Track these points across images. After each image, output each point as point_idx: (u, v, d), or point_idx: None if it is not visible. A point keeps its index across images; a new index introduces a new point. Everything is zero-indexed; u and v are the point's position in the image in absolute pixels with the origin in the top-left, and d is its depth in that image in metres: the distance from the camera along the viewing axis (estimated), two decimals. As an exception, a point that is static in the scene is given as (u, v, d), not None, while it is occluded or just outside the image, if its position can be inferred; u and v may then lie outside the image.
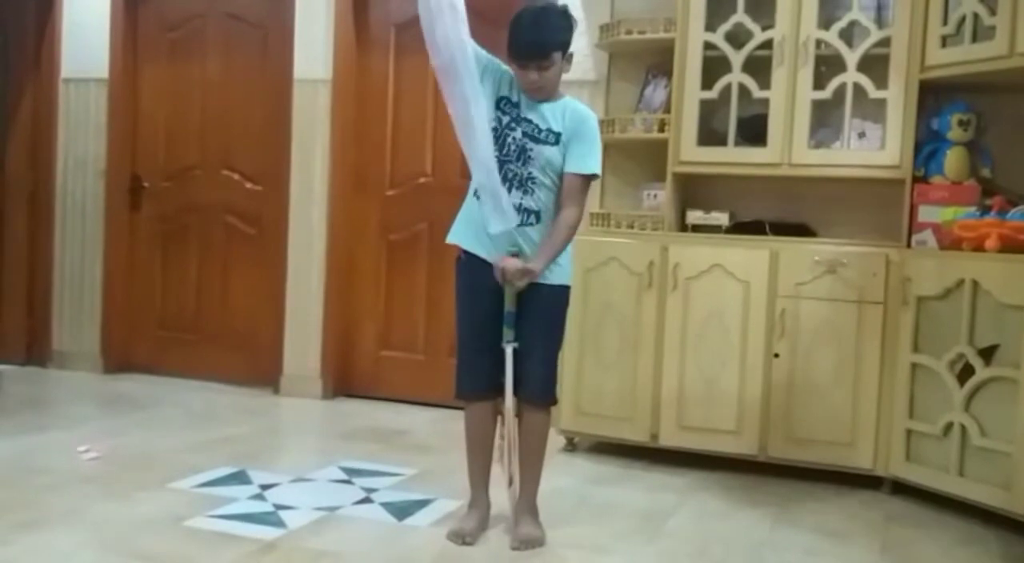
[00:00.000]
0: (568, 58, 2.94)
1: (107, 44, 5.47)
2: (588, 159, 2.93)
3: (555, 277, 2.97)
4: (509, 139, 2.91)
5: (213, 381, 5.34)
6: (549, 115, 2.92)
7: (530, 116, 2.92)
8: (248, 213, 5.36)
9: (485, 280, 2.94)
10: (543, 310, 2.97)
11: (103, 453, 3.81)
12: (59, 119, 5.60)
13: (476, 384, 3.04)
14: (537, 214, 2.92)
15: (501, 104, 2.93)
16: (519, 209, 2.90)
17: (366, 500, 3.40)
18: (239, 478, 3.57)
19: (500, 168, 2.88)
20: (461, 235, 3.06)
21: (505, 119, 2.92)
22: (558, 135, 2.90)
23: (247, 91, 5.31)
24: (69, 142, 5.60)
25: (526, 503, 3.06)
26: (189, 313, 5.50)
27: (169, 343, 5.55)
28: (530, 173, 2.90)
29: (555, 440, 4.15)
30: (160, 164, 5.55)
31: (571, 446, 4.21)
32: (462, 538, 2.97)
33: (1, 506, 3.13)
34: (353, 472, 3.74)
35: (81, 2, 5.51)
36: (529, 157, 2.90)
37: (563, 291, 3.03)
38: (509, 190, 2.89)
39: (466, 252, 3.04)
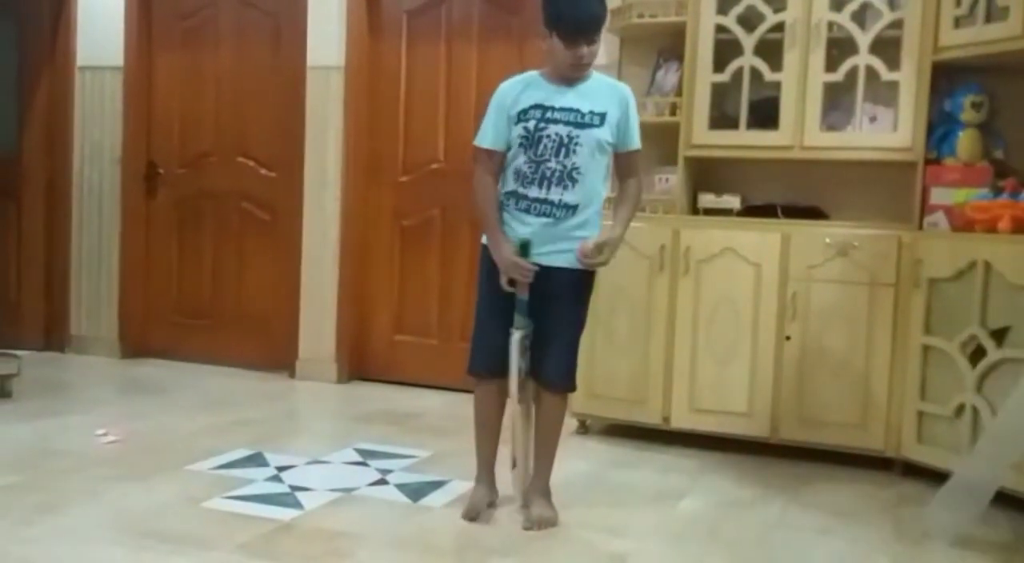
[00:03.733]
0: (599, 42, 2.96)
1: (122, 32, 5.50)
2: (637, 134, 3.01)
3: (577, 262, 2.97)
4: (544, 138, 2.88)
5: (229, 365, 5.39)
6: (586, 97, 2.91)
7: (566, 104, 2.90)
8: (263, 199, 5.39)
9: (498, 272, 2.97)
10: (570, 294, 2.98)
11: (121, 436, 3.86)
12: (75, 107, 5.64)
13: (489, 363, 3.04)
14: (575, 208, 2.91)
15: (523, 116, 2.90)
16: (558, 205, 2.90)
17: (381, 481, 3.44)
18: (256, 460, 3.61)
19: (536, 169, 2.89)
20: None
21: (532, 124, 2.88)
22: (603, 115, 2.90)
23: (261, 78, 5.34)
24: (85, 130, 5.64)
25: (540, 485, 3.08)
26: (205, 298, 5.55)
27: (185, 328, 5.59)
28: (574, 164, 2.88)
29: (568, 423, 4.18)
30: (175, 151, 5.59)
31: (583, 429, 4.23)
32: (468, 515, 3.05)
33: (20, 489, 3.18)
34: (368, 454, 3.77)
35: (96, -10, 5.54)
36: (575, 147, 2.87)
37: (591, 276, 3.03)
38: (548, 187, 2.89)
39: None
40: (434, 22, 5.02)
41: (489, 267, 3.01)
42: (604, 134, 2.90)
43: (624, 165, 3.04)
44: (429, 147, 5.06)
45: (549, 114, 2.89)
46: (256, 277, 5.42)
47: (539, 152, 2.88)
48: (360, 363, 5.24)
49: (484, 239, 3.03)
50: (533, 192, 2.91)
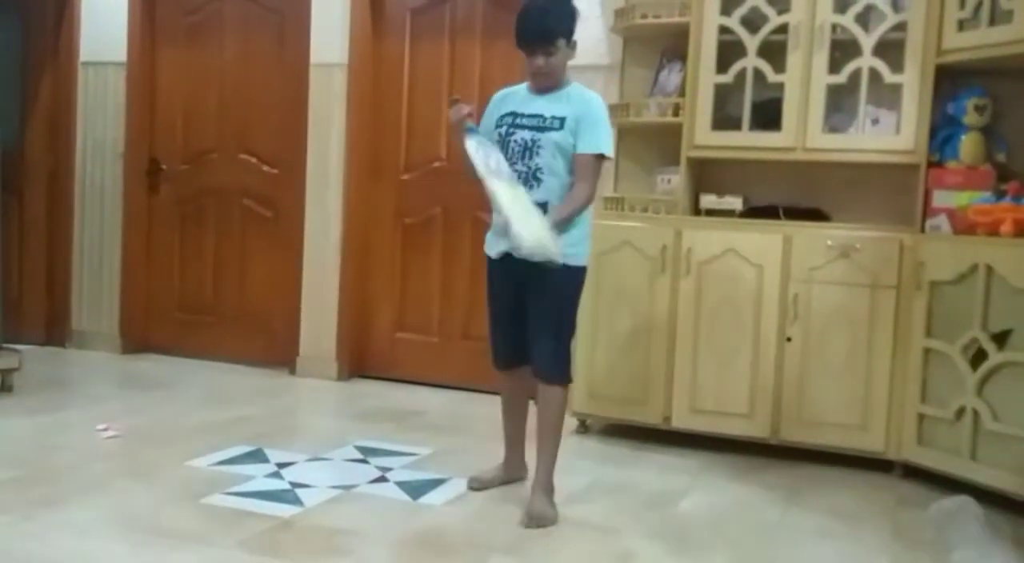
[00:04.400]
0: (572, 46, 3.11)
1: (125, 28, 5.50)
2: (595, 139, 3.04)
3: (568, 258, 3.02)
4: (511, 143, 3.08)
5: (230, 362, 5.39)
6: (553, 103, 3.07)
7: (533, 110, 3.08)
8: (265, 196, 5.40)
9: (498, 276, 3.21)
10: (547, 288, 3.07)
11: (122, 432, 3.86)
12: (78, 103, 5.64)
13: (502, 358, 3.30)
14: (544, 206, 3.01)
15: (499, 122, 3.14)
16: None
17: (381, 479, 3.44)
18: (256, 457, 3.61)
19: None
20: (486, 243, 3.28)
21: (504, 129, 3.11)
22: (563, 119, 3.03)
23: (264, 75, 5.34)
24: (88, 125, 5.64)
25: (541, 480, 3.13)
26: (206, 294, 5.55)
27: (187, 324, 5.60)
28: (536, 165, 3.04)
29: (568, 422, 4.19)
30: (178, 147, 5.59)
31: (584, 428, 4.23)
32: (471, 483, 3.32)
33: (21, 483, 3.19)
34: (368, 451, 3.78)
35: (100, -14, 5.54)
36: (537, 149, 3.04)
37: (576, 272, 3.12)
38: None
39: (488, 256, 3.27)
40: (437, 20, 5.02)
41: (488, 277, 3.25)
42: (562, 137, 3.03)
43: (576, 168, 3.07)
44: (431, 145, 5.06)
45: (518, 120, 3.10)
46: (257, 274, 5.42)
47: (508, 156, 3.06)
48: (361, 360, 5.24)
49: (486, 248, 3.24)
50: None
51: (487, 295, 3.29)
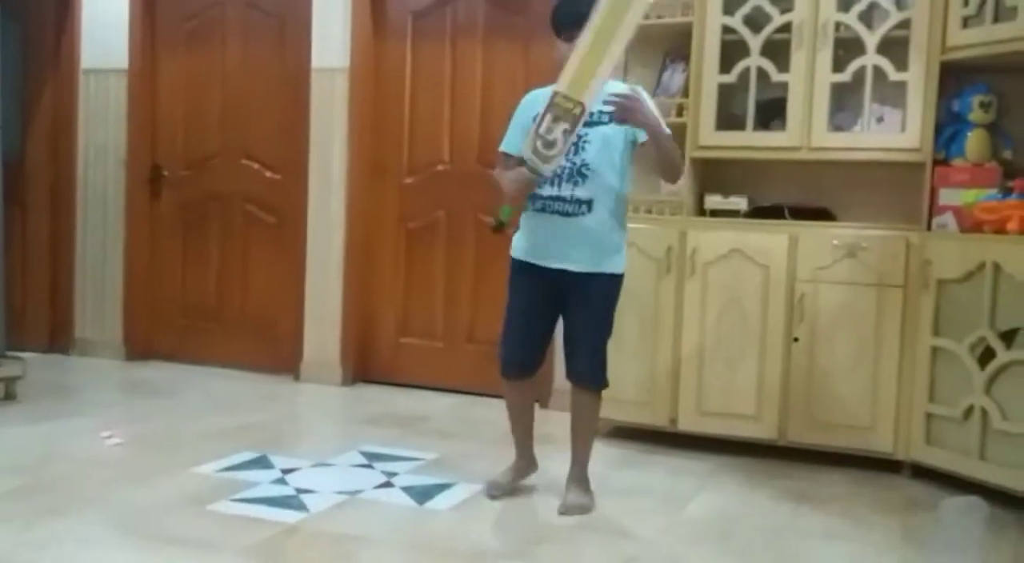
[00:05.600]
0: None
1: (126, 35, 5.50)
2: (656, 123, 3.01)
3: (612, 265, 3.09)
4: None
5: (234, 368, 5.38)
6: (601, 98, 2.96)
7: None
8: (267, 201, 5.39)
9: (532, 281, 3.14)
10: (597, 299, 3.10)
11: (126, 439, 3.85)
12: (79, 110, 5.64)
13: (516, 365, 3.23)
14: (589, 203, 3.01)
15: (536, 118, 3.00)
16: (570, 200, 3.01)
17: (387, 484, 3.42)
18: (261, 463, 3.60)
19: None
20: (515, 248, 3.21)
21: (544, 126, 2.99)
22: (611, 113, 2.95)
23: (265, 80, 5.33)
24: (89, 132, 5.64)
25: (577, 473, 3.25)
26: (210, 301, 5.54)
27: (190, 330, 5.58)
28: (583, 160, 3.01)
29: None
30: (180, 153, 5.58)
31: (590, 431, 4.21)
32: (490, 491, 3.27)
33: (25, 491, 3.17)
34: (374, 457, 3.76)
35: (100, -8, 5.54)
36: (584, 145, 3.00)
37: (618, 280, 3.14)
38: (559, 185, 3.02)
39: (521, 261, 3.19)
40: (439, 23, 5.01)
41: (515, 282, 3.19)
42: (613, 131, 3.01)
43: (646, 156, 3.08)
44: (434, 149, 5.05)
45: None
46: (261, 279, 5.41)
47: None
48: (365, 366, 5.22)
49: (512, 251, 3.19)
50: (546, 191, 3.04)
51: (510, 298, 3.22)
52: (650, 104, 3.03)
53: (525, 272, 3.16)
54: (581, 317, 3.12)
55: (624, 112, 2.88)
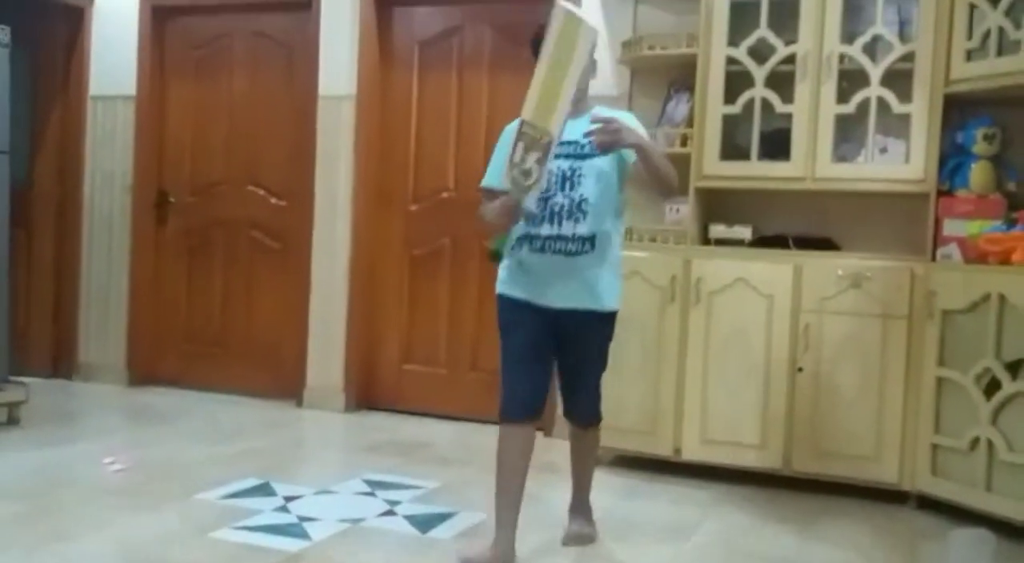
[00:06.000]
0: (593, 65, 2.91)
1: (135, 62, 5.54)
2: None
3: (613, 302, 2.96)
4: (548, 174, 2.79)
5: (237, 394, 5.37)
6: (584, 123, 2.80)
7: (567, 137, 2.81)
8: (273, 228, 5.40)
9: (532, 318, 2.92)
10: (591, 336, 2.99)
11: (129, 465, 3.84)
12: (87, 135, 5.67)
13: (522, 406, 2.90)
14: (592, 240, 2.84)
15: None
16: (572, 238, 2.82)
17: (389, 512, 3.41)
18: (264, 490, 3.59)
19: (544, 206, 2.82)
20: (506, 284, 2.99)
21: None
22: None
23: (272, 107, 5.36)
24: (97, 158, 5.67)
25: (579, 503, 3.23)
26: (214, 326, 5.54)
27: (194, 356, 5.58)
28: (582, 196, 2.83)
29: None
30: (186, 179, 5.61)
31: (594, 460, 4.20)
32: None
33: (27, 517, 3.16)
34: (376, 484, 3.74)
35: (109, 20, 5.58)
36: (579, 179, 2.84)
37: (613, 317, 3.01)
38: (559, 223, 2.82)
39: (509, 297, 2.98)
40: (445, 52, 5.05)
41: (504, 320, 2.97)
42: (607, 163, 2.86)
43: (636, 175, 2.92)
44: (439, 176, 5.07)
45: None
46: (265, 306, 5.41)
47: (545, 188, 2.80)
48: (368, 392, 5.22)
49: (500, 286, 2.99)
50: (545, 230, 2.84)
51: (507, 336, 2.96)
52: (632, 123, 2.87)
53: (521, 310, 2.93)
54: (582, 355, 3.01)
55: (606, 140, 2.69)
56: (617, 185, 2.91)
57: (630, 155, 2.83)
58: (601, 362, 3.07)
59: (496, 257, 3.02)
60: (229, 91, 5.48)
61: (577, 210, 2.83)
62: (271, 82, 5.38)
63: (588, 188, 2.84)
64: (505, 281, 2.99)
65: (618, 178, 2.91)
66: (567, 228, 2.83)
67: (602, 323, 2.97)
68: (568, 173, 2.84)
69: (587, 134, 2.72)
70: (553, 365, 3.02)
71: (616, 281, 2.97)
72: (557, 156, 2.80)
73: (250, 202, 5.45)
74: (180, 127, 5.61)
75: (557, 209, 2.84)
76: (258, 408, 5.16)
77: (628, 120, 2.86)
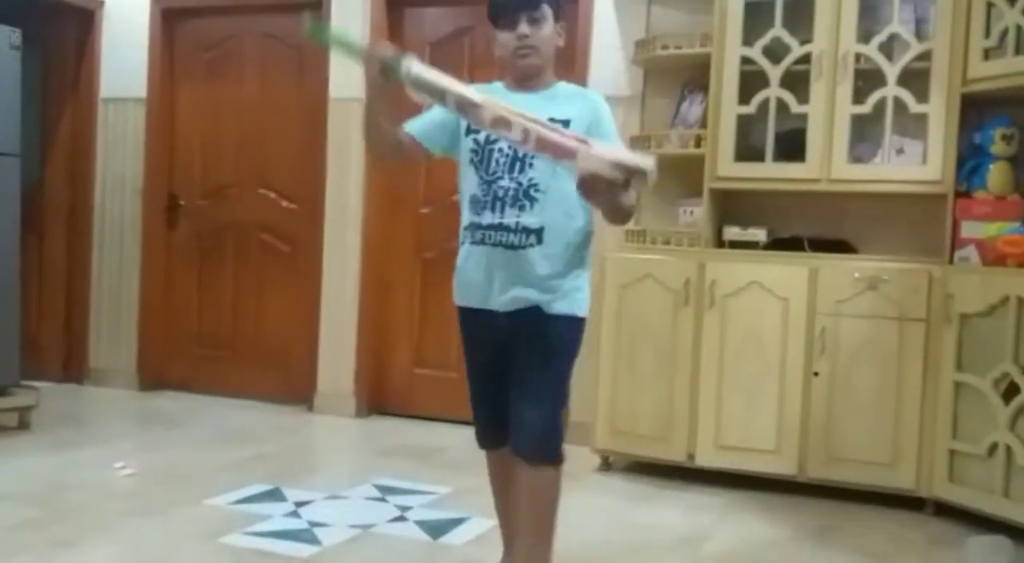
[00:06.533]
0: (561, 27, 2.49)
1: (145, 64, 5.53)
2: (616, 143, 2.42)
3: (569, 305, 2.44)
4: (495, 153, 2.41)
5: (248, 398, 5.35)
6: (547, 102, 2.40)
7: (524, 109, 2.29)
8: (283, 231, 5.38)
9: (480, 334, 2.55)
10: (549, 345, 2.43)
11: (139, 469, 3.82)
12: (97, 138, 5.66)
13: (485, 432, 2.66)
14: (539, 233, 2.37)
15: (473, 127, 2.42)
16: (515, 229, 2.37)
17: (400, 518, 3.38)
18: (274, 495, 3.56)
19: (488, 190, 2.41)
20: (455, 291, 2.59)
21: (481, 136, 2.43)
22: (565, 123, 2.33)
23: (283, 110, 5.35)
24: (107, 161, 5.66)
25: None
26: (224, 331, 5.52)
27: (204, 360, 5.57)
28: (531, 180, 2.37)
29: (590, 460, 4.13)
30: (196, 182, 5.59)
31: (606, 465, 4.16)
32: None
33: (38, 522, 3.15)
34: (387, 490, 3.71)
35: (120, 23, 5.58)
36: (529, 161, 2.37)
37: (573, 324, 2.46)
38: (501, 209, 2.39)
39: (465, 307, 2.57)
40: (456, 53, 5.02)
41: (464, 337, 2.62)
42: None
43: None
44: (450, 179, 4.95)
45: None
46: (275, 309, 5.40)
47: (491, 170, 2.41)
48: (379, 397, 5.19)
49: (455, 298, 2.58)
50: (487, 218, 2.40)
51: (466, 358, 2.66)
52: (601, 108, 2.45)
53: (470, 323, 2.56)
54: (528, 368, 2.43)
55: (598, 199, 2.20)
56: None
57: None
58: (553, 378, 2.45)
59: (316, 34, 2.72)
60: (239, 93, 5.46)
61: (524, 196, 2.38)
62: (281, 84, 5.36)
63: (540, 173, 2.37)
64: (454, 287, 2.59)
65: None
66: (510, 216, 2.38)
67: (554, 329, 2.42)
68: (519, 153, 2.36)
69: (578, 187, 2.14)
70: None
71: (579, 283, 2.46)
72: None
73: (260, 205, 5.43)
74: (190, 129, 5.60)
75: (501, 194, 2.39)
76: (268, 413, 5.14)
77: (595, 103, 2.45)
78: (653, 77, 4.47)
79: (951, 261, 3.66)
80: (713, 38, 3.98)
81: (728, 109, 3.97)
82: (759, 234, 4.02)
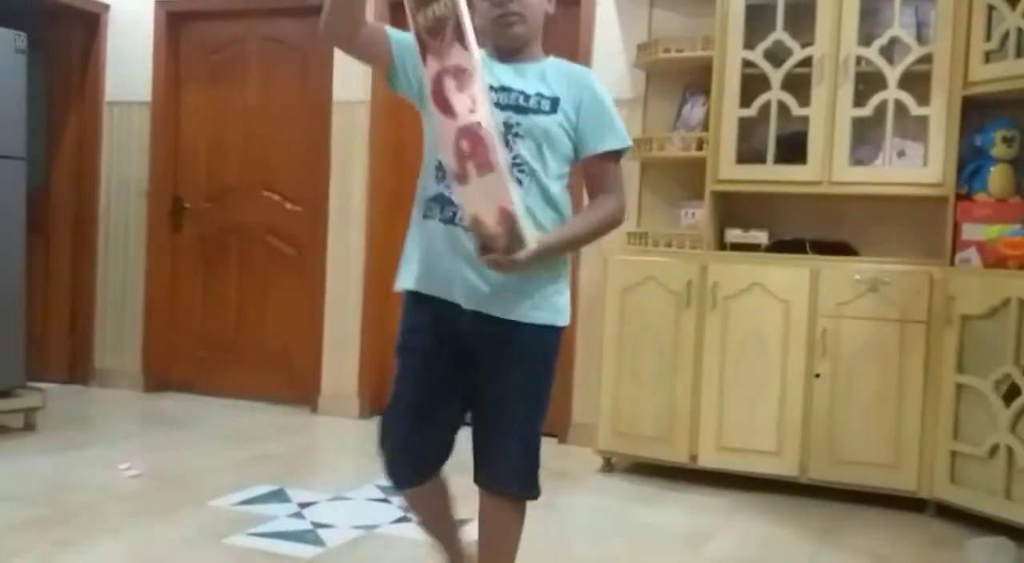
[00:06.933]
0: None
1: (150, 68, 5.56)
2: (616, 132, 2.13)
3: (552, 313, 2.13)
4: None
5: (252, 400, 5.37)
6: (535, 78, 2.11)
7: (507, 83, 2.09)
8: (288, 233, 5.41)
9: (437, 326, 2.17)
10: (523, 360, 2.13)
11: (144, 471, 3.84)
12: (103, 141, 5.69)
13: (408, 466, 2.31)
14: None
15: None
16: None
17: (404, 519, 3.39)
18: (278, 496, 3.58)
19: None
20: (403, 271, 2.24)
21: None
22: (554, 100, 2.09)
23: (287, 113, 5.37)
24: (112, 164, 5.68)
25: None
26: (229, 332, 5.55)
27: (209, 362, 5.59)
28: (515, 158, 2.04)
29: (592, 461, 4.15)
30: (201, 185, 5.62)
31: (608, 467, 4.17)
32: None
33: (43, 523, 3.16)
34: (391, 491, 3.72)
35: (125, 27, 5.60)
36: (514, 137, 2.05)
37: (553, 335, 2.15)
38: None
39: (412, 293, 2.22)
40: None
41: (406, 332, 2.26)
42: (555, 125, 2.08)
43: (595, 175, 2.16)
44: (454, 181, 5.04)
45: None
46: (280, 311, 5.42)
47: None
48: (383, 399, 5.17)
49: (403, 281, 2.23)
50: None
51: (402, 359, 2.27)
52: (594, 85, 2.15)
53: (424, 315, 2.19)
54: (505, 388, 2.12)
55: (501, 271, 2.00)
56: (567, 158, 2.13)
57: (594, 143, 2.12)
58: (531, 398, 2.15)
59: None
60: (243, 96, 5.49)
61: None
62: (285, 87, 5.38)
63: (527, 150, 2.06)
64: (404, 268, 2.22)
65: (568, 152, 2.12)
66: None
67: (532, 341, 2.12)
68: (501, 128, 2.01)
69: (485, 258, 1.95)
70: (463, 412, 2.24)
71: (560, 287, 2.16)
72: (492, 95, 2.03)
73: (265, 208, 5.45)
74: (195, 133, 5.62)
75: None
76: (273, 414, 5.16)
77: (590, 82, 2.14)
78: (655, 80, 4.48)
79: (952, 263, 3.67)
80: (714, 41, 4.00)
81: (729, 112, 3.98)
82: (761, 236, 4.03)
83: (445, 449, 2.25)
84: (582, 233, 2.14)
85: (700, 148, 4.07)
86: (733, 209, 4.19)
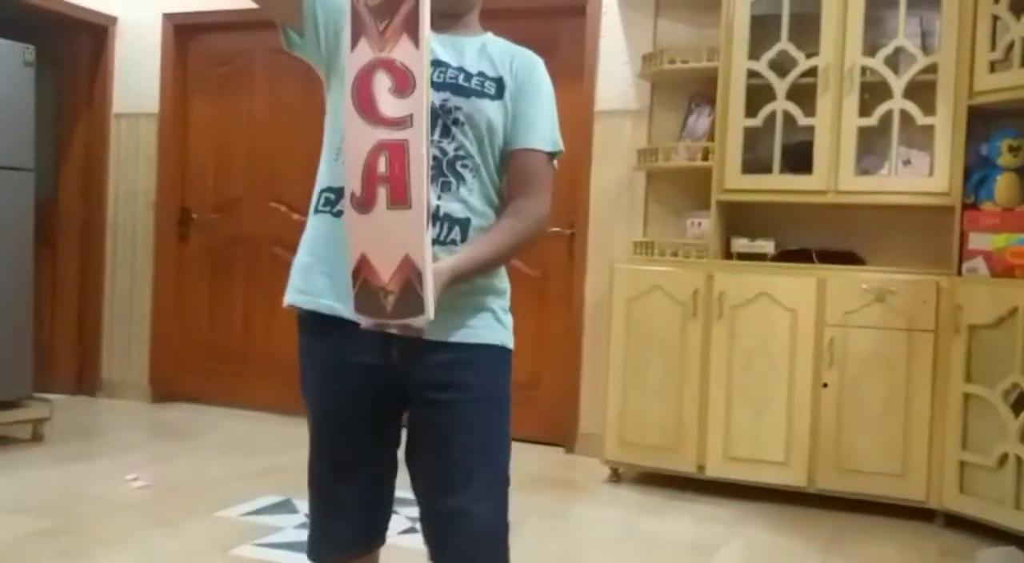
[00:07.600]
0: None
1: (157, 80, 5.58)
2: (548, 127, 1.77)
3: (492, 333, 1.73)
4: None
5: (259, 410, 5.37)
6: (476, 54, 1.75)
7: (443, 56, 1.71)
8: (294, 244, 5.33)
9: (347, 355, 1.74)
10: (480, 398, 1.70)
11: (151, 481, 3.84)
12: (110, 153, 5.71)
13: (337, 544, 1.87)
14: (465, 226, 1.67)
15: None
16: (435, 217, 1.63)
17: (411, 530, 3.38)
18: (285, 507, 3.58)
19: None
20: (297, 286, 1.84)
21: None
22: (498, 81, 1.73)
23: (293, 124, 5.38)
24: (120, 175, 5.70)
25: None
26: (236, 343, 5.55)
27: (216, 373, 5.60)
28: (458, 150, 1.68)
29: (600, 471, 4.14)
30: (208, 196, 5.64)
31: (616, 476, 4.16)
32: None
33: (51, 534, 3.17)
34: (398, 501, 3.71)
35: (132, 39, 5.63)
36: (455, 123, 1.68)
37: (505, 357, 1.76)
38: None
39: (309, 312, 1.81)
40: None
41: (302, 367, 1.89)
42: (498, 112, 1.72)
43: (521, 173, 1.74)
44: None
45: None
46: (286, 322, 5.39)
47: None
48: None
49: (296, 296, 1.82)
50: None
51: (313, 412, 1.90)
52: (540, 72, 1.79)
53: (327, 341, 1.79)
54: (456, 439, 1.69)
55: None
56: (502, 152, 1.74)
57: (526, 138, 1.74)
58: (497, 445, 1.72)
59: None
60: (250, 107, 5.51)
61: (450, 171, 1.67)
62: (292, 98, 5.40)
63: (470, 141, 1.68)
64: (298, 279, 1.82)
65: (501, 142, 1.73)
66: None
67: (486, 361, 1.71)
68: (439, 111, 1.66)
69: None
70: (395, 459, 1.85)
71: (504, 303, 1.77)
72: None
73: (271, 218, 5.46)
74: (202, 144, 5.64)
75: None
76: (280, 424, 5.16)
77: (533, 63, 1.78)
78: (660, 91, 4.49)
79: (959, 272, 3.67)
80: (720, 52, 4.01)
81: (735, 122, 3.98)
82: (767, 246, 4.03)
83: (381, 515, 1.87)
84: (505, 251, 1.70)
85: (706, 158, 4.07)
86: (739, 219, 4.19)
